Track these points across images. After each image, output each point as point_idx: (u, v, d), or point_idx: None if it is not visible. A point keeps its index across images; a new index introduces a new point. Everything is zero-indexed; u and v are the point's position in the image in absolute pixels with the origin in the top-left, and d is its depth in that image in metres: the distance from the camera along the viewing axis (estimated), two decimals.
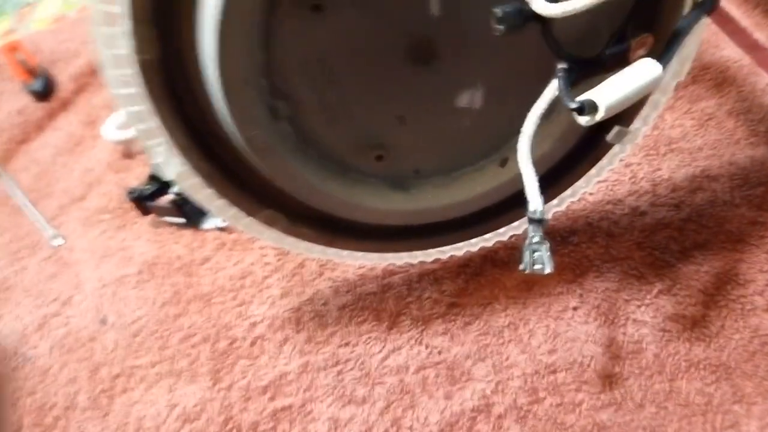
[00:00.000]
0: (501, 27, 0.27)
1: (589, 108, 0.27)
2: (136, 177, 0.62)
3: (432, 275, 0.44)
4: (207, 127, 0.33)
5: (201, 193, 0.35)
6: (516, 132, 0.32)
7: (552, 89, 0.29)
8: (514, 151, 0.34)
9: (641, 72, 0.27)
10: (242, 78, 0.30)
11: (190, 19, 0.28)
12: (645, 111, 0.37)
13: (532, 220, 0.30)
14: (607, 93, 0.27)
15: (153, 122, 0.31)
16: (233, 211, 0.37)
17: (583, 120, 0.27)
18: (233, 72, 0.29)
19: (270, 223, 0.38)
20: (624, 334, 0.37)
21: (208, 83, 0.30)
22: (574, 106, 0.27)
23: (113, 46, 0.29)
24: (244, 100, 0.30)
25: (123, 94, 0.30)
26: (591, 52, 0.29)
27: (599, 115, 0.27)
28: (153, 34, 0.28)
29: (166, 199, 0.54)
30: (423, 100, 0.35)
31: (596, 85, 0.28)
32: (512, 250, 0.43)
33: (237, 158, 0.34)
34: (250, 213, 0.37)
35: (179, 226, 0.55)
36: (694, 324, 0.36)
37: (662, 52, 0.28)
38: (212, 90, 0.30)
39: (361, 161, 0.36)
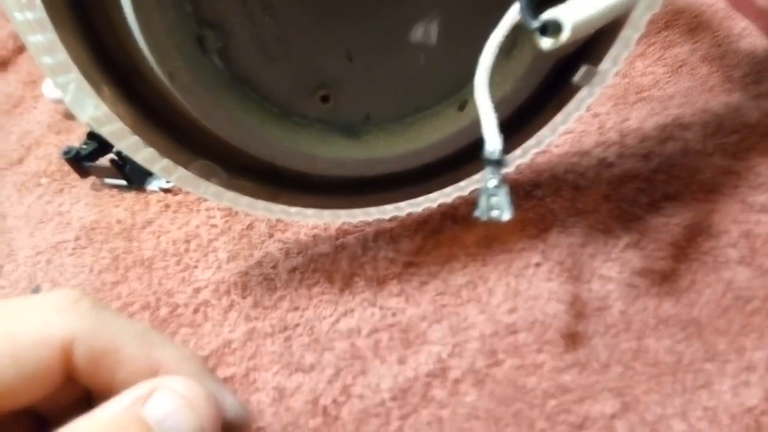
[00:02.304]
0: None
1: (553, 27, 0.24)
2: (78, 138, 0.58)
3: (389, 234, 0.41)
4: (127, 61, 0.29)
5: (124, 141, 0.31)
6: (475, 72, 0.28)
7: (513, 13, 0.26)
8: (473, 93, 0.31)
9: None
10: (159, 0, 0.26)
11: None
12: (615, 49, 0.34)
13: (489, 162, 0.27)
14: (574, 10, 0.24)
15: (61, 54, 0.27)
16: (164, 162, 0.33)
17: (546, 43, 0.24)
18: None
19: (206, 175, 0.34)
20: (589, 290, 0.34)
21: (121, 6, 0.26)
22: (535, 25, 0.24)
23: None
24: (162, 26, 0.26)
25: (22, 21, 0.26)
26: None
27: (564, 35, 0.24)
28: None
29: (105, 159, 0.50)
30: (372, 33, 0.31)
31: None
32: (472, 206, 0.40)
33: (163, 98, 0.30)
34: (182, 164, 0.33)
35: (121, 188, 0.51)
36: (663, 279, 0.34)
37: None
38: (126, 14, 0.26)
39: (304, 103, 0.33)
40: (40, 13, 0.26)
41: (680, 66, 0.45)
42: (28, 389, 0.20)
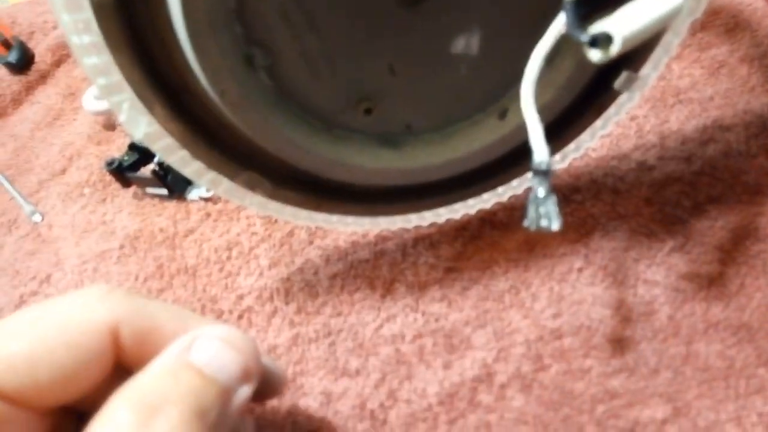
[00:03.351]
0: None
1: (603, 41, 0.24)
2: (118, 148, 0.60)
3: (428, 240, 0.41)
4: (179, 81, 0.30)
5: (174, 155, 0.32)
6: (516, 80, 0.29)
7: (558, 24, 0.26)
8: (515, 101, 0.31)
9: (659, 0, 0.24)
10: (212, 23, 0.27)
11: None
12: (656, 54, 0.34)
13: (537, 172, 0.27)
14: (623, 23, 0.24)
15: (115, 76, 0.28)
16: (211, 174, 0.34)
17: (596, 55, 0.24)
18: (201, 16, 0.26)
19: (251, 186, 0.35)
20: (634, 295, 0.34)
21: (174, 29, 0.27)
22: (585, 39, 0.24)
23: None
24: (214, 48, 0.27)
25: (78, 44, 0.27)
26: None
27: (615, 48, 0.24)
28: None
29: (147, 170, 0.52)
30: (414, 46, 0.32)
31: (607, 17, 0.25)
32: (511, 211, 0.41)
33: (212, 115, 0.31)
34: (229, 176, 0.34)
35: (162, 197, 0.53)
36: (710, 283, 0.34)
37: None
38: (180, 37, 0.27)
39: (347, 115, 0.33)
40: (96, 37, 0.27)
41: (718, 67, 0.44)
42: (86, 374, 0.21)
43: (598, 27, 0.24)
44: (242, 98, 0.29)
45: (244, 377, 0.22)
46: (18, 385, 0.19)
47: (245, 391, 0.22)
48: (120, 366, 0.22)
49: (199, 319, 0.24)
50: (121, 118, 0.30)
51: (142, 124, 0.30)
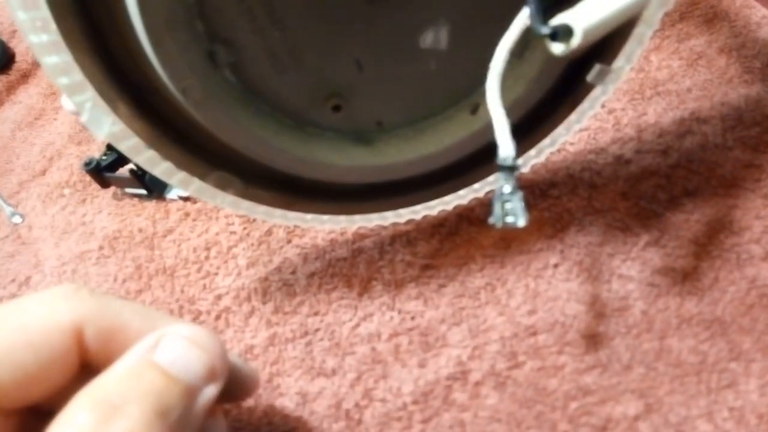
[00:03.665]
0: None
1: (564, 33, 0.23)
2: (98, 148, 0.59)
3: (405, 237, 0.41)
4: (142, 79, 0.29)
5: (141, 155, 0.32)
6: (487, 75, 0.28)
7: (523, 17, 0.26)
8: (485, 96, 0.31)
9: None
10: (169, 19, 0.26)
11: None
12: (629, 47, 0.33)
13: (502, 168, 0.27)
14: (585, 15, 0.23)
15: (77, 75, 0.28)
16: (181, 174, 0.33)
17: (558, 48, 0.24)
18: (158, 11, 0.26)
19: (222, 186, 0.35)
20: (609, 290, 0.34)
21: (133, 26, 0.27)
22: (546, 31, 0.24)
23: None
24: (174, 45, 0.27)
25: (37, 43, 0.27)
26: None
27: (575, 41, 0.23)
28: None
29: (125, 170, 0.51)
30: (382, 40, 0.31)
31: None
32: (489, 207, 0.40)
33: (178, 113, 0.31)
34: (199, 176, 0.34)
35: (141, 197, 0.52)
36: (684, 277, 0.33)
37: None
38: (139, 34, 0.27)
39: (317, 113, 0.33)
40: (54, 35, 0.27)
41: (697, 58, 0.44)
42: (49, 375, 0.20)
43: (558, 19, 0.24)
44: (206, 96, 0.29)
45: (210, 377, 0.21)
46: None
47: (211, 391, 0.21)
48: (86, 366, 0.22)
49: (167, 318, 0.24)
50: (84, 117, 0.29)
51: (106, 124, 0.30)
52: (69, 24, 0.26)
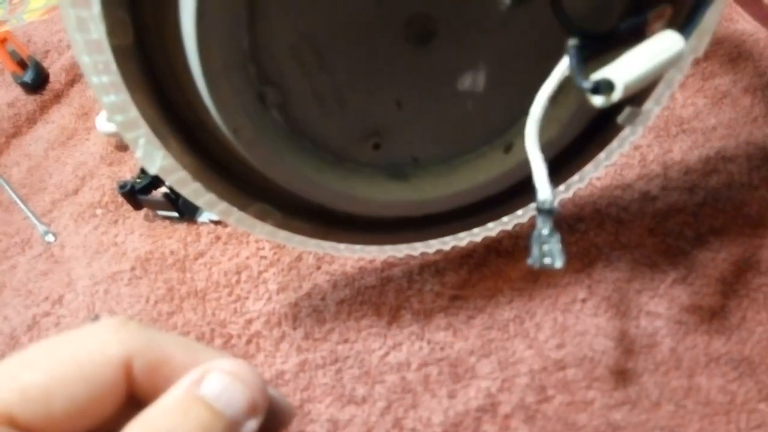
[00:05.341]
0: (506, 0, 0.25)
1: (605, 87, 0.25)
2: (130, 169, 0.61)
3: (434, 267, 0.42)
4: (193, 117, 0.31)
5: (187, 187, 0.33)
6: (521, 115, 0.30)
7: (562, 68, 0.27)
8: (519, 135, 0.32)
9: (661, 46, 0.25)
10: (225, 63, 0.27)
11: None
12: (659, 90, 0.34)
13: (541, 211, 0.28)
14: (625, 70, 0.24)
15: (132, 113, 0.29)
16: (223, 205, 0.35)
17: (598, 101, 0.25)
18: (215, 57, 0.27)
19: (262, 217, 0.36)
20: (637, 327, 0.35)
21: (189, 70, 0.28)
22: (588, 86, 0.25)
23: (85, 30, 0.27)
24: (228, 87, 0.28)
25: (98, 84, 0.28)
26: (604, 26, 0.27)
27: (616, 95, 0.24)
28: (125, 16, 0.26)
29: (158, 193, 0.53)
30: (421, 83, 0.32)
31: (610, 63, 0.25)
32: (516, 240, 0.41)
33: (225, 150, 0.32)
34: (240, 207, 0.35)
35: (173, 219, 0.54)
36: (712, 315, 0.34)
37: (683, 24, 0.26)
38: (195, 77, 0.28)
39: (357, 150, 0.34)
40: (114, 76, 0.28)
41: (722, 97, 0.45)
42: (99, 407, 0.21)
43: (600, 74, 0.25)
44: (255, 135, 0.30)
45: (252, 411, 0.22)
46: (32, 415, 0.20)
47: (252, 425, 0.22)
48: (132, 397, 0.23)
49: (209, 351, 0.25)
50: (138, 153, 0.31)
51: (158, 158, 0.31)
52: (128, 67, 0.28)
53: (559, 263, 0.27)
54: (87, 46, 0.27)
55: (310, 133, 0.32)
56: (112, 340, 0.22)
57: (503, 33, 0.31)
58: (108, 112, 0.29)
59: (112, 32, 0.26)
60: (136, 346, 0.22)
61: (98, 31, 0.26)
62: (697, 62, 0.48)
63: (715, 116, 0.44)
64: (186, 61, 0.28)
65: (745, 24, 0.49)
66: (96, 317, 0.49)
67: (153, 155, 0.31)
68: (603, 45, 0.27)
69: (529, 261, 0.27)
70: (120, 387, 0.22)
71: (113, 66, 0.28)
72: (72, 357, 0.21)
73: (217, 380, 0.22)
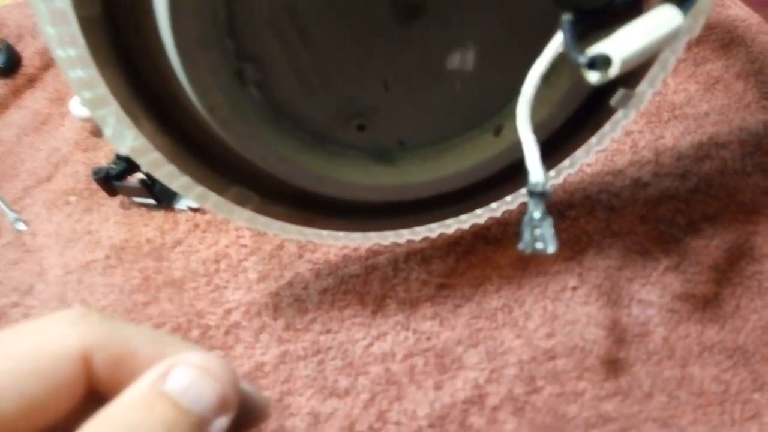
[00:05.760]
0: None
1: (602, 63, 0.23)
2: (106, 155, 0.59)
3: (420, 254, 0.41)
4: (166, 95, 0.29)
5: (161, 170, 0.31)
6: (512, 97, 0.28)
7: (556, 44, 0.26)
8: (510, 118, 0.31)
9: (659, 21, 0.24)
10: (200, 36, 0.26)
11: None
12: (653, 72, 0.33)
13: (533, 194, 0.27)
14: (622, 45, 0.23)
15: (101, 89, 0.28)
16: (199, 189, 0.33)
17: (594, 77, 0.24)
18: (189, 29, 0.25)
19: (240, 202, 0.34)
20: (628, 315, 0.34)
21: (163, 43, 0.26)
22: (584, 60, 0.23)
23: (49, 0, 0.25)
24: (203, 63, 0.26)
25: (64, 57, 0.26)
26: (600, 1, 0.26)
27: (613, 71, 0.23)
28: None
29: (134, 179, 0.51)
30: (409, 61, 0.31)
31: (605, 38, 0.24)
32: (505, 227, 0.40)
33: (201, 129, 0.30)
34: (218, 191, 0.34)
35: (150, 207, 0.52)
36: (705, 304, 0.33)
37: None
38: (168, 51, 0.26)
39: (340, 131, 0.33)
40: (81, 50, 0.26)
41: (714, 83, 0.44)
42: (56, 404, 0.20)
43: (596, 49, 0.24)
44: (232, 114, 0.28)
45: (222, 407, 0.21)
46: None
47: (222, 422, 0.21)
48: (93, 393, 0.21)
49: (178, 344, 0.23)
50: (107, 132, 0.29)
51: (129, 138, 0.29)
52: (96, 39, 0.26)
53: (551, 248, 0.25)
54: (51, 16, 0.25)
55: (291, 113, 0.31)
56: (71, 333, 0.21)
57: (494, 9, 0.30)
58: (75, 88, 0.28)
59: (78, 2, 0.25)
60: (96, 338, 0.21)
61: (63, 0, 0.25)
62: (689, 47, 0.47)
63: (707, 102, 0.43)
64: (158, 33, 0.26)
65: (737, 9, 0.48)
66: (68, 308, 0.47)
67: (123, 134, 0.29)
68: (599, 20, 0.26)
69: (520, 246, 0.26)
70: (79, 382, 0.21)
71: (80, 39, 0.26)
72: (26, 351, 0.20)
73: (184, 374, 0.20)
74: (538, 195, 0.26)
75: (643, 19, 0.24)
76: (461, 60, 0.31)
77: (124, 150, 0.29)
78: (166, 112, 0.30)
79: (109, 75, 0.27)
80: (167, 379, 0.20)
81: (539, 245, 0.26)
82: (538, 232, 0.26)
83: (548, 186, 0.38)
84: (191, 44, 0.25)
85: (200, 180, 0.33)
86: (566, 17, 0.26)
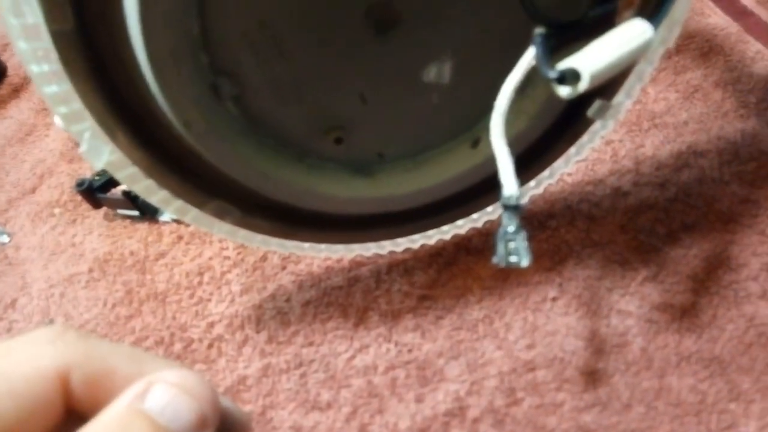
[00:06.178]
0: None
1: (571, 77, 0.23)
2: (90, 167, 0.58)
3: (402, 266, 0.41)
4: (142, 109, 0.29)
5: (139, 184, 0.31)
6: (488, 110, 0.28)
7: (528, 58, 0.26)
8: (487, 130, 0.31)
9: (629, 35, 0.24)
10: (174, 51, 0.26)
11: None
12: (629, 82, 0.34)
13: (507, 207, 0.27)
14: (591, 59, 0.23)
15: (76, 104, 0.28)
16: (178, 203, 0.33)
17: (564, 91, 0.24)
18: (161, 43, 0.25)
19: (220, 215, 0.34)
20: (607, 326, 0.34)
21: (136, 57, 0.26)
22: (553, 75, 0.24)
23: (19, 14, 0.25)
24: (177, 77, 0.27)
25: (38, 72, 0.26)
26: (572, 15, 0.26)
27: (582, 85, 0.23)
28: None
29: (118, 191, 0.51)
30: (385, 74, 0.31)
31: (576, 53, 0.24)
32: (487, 237, 0.40)
33: (178, 143, 0.30)
34: (196, 205, 0.33)
35: (134, 219, 0.51)
36: (683, 314, 0.33)
37: (652, 13, 0.25)
38: (141, 66, 0.26)
39: (318, 145, 0.33)
40: (55, 65, 0.26)
41: (693, 92, 0.44)
42: (33, 425, 0.20)
43: (566, 63, 0.24)
44: (208, 129, 0.28)
45: (200, 426, 0.21)
46: None
47: None
48: (71, 412, 0.21)
49: (156, 361, 0.23)
50: (83, 147, 0.29)
51: (105, 153, 0.29)
52: (70, 54, 0.26)
53: (525, 262, 0.26)
54: (24, 30, 0.25)
55: (269, 127, 0.31)
56: (46, 352, 0.21)
57: (470, 22, 0.30)
58: (50, 103, 0.27)
59: (50, 16, 0.25)
60: (73, 357, 0.21)
61: (34, 14, 0.24)
62: (669, 56, 0.47)
63: (686, 111, 0.43)
64: (132, 47, 0.26)
65: (716, 18, 0.49)
66: (50, 321, 0.46)
67: (100, 149, 0.29)
68: (572, 34, 0.26)
69: (495, 260, 0.26)
70: (55, 403, 0.20)
71: (53, 53, 0.26)
72: (0, 374, 0.20)
73: (162, 393, 0.20)
74: (512, 208, 0.26)
75: (614, 33, 0.25)
76: (438, 73, 0.31)
77: (100, 165, 0.29)
78: (143, 126, 0.30)
79: (83, 89, 0.27)
80: (146, 398, 0.20)
81: (513, 258, 0.26)
82: (512, 245, 0.26)
83: (522, 199, 0.38)
84: (164, 57, 0.25)
85: (179, 194, 0.33)
86: (538, 31, 0.26)
